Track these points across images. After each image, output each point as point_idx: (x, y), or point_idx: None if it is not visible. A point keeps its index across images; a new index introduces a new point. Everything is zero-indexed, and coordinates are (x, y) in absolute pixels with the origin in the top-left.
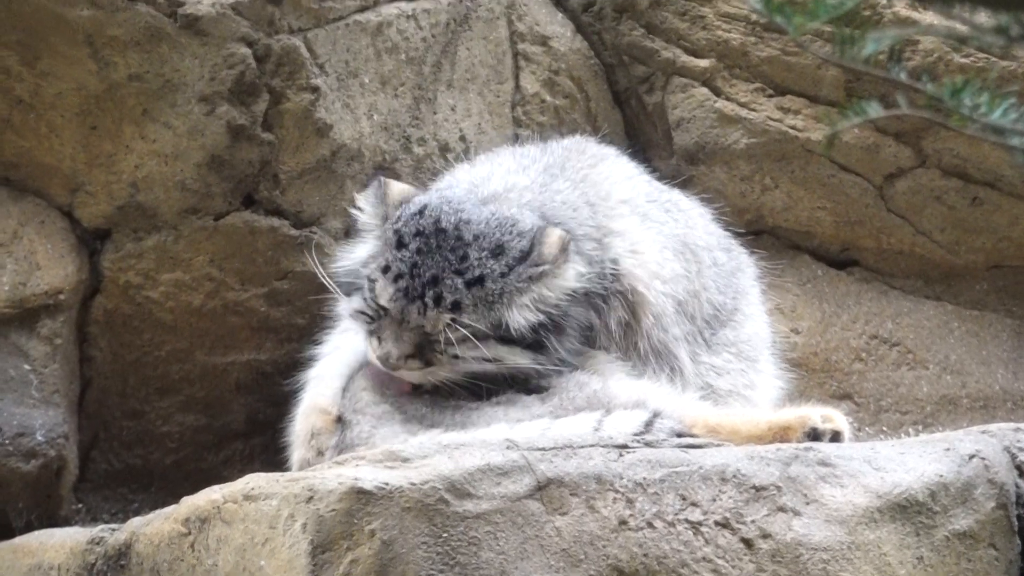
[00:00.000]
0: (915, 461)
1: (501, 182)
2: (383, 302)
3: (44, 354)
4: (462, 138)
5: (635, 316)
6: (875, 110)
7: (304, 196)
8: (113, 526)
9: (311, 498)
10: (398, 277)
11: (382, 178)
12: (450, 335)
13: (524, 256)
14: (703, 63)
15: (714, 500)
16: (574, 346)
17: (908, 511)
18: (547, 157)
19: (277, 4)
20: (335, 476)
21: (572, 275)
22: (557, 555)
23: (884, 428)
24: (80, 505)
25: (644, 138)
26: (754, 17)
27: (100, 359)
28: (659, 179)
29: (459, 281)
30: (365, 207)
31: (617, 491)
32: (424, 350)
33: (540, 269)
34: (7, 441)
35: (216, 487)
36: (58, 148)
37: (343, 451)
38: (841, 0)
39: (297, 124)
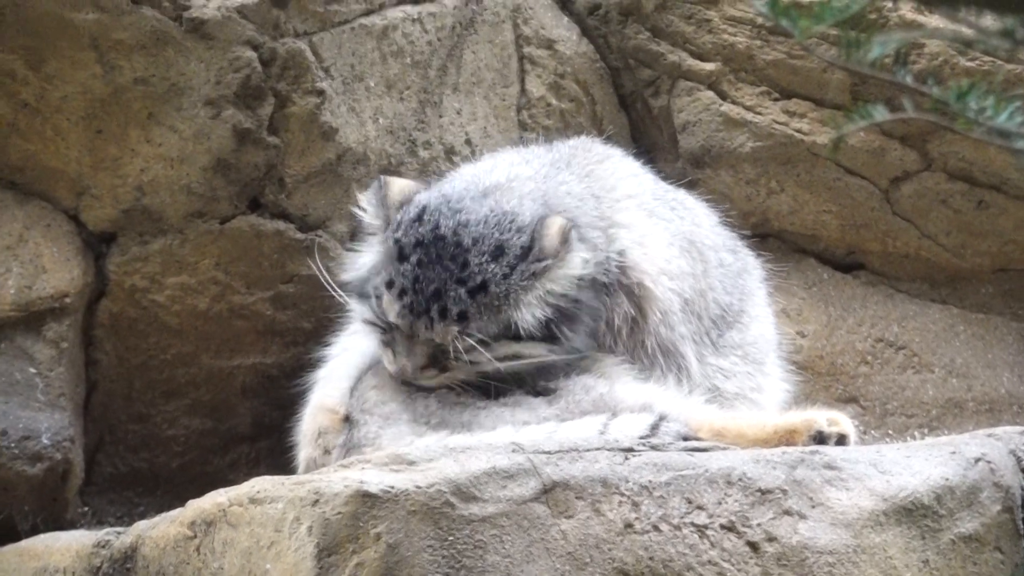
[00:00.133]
0: (921, 464)
1: (504, 172)
2: (391, 319)
3: (50, 357)
4: (468, 142)
5: (641, 312)
6: (881, 113)
7: (310, 200)
8: (119, 529)
9: (317, 501)
10: (402, 293)
11: (383, 178)
12: (460, 345)
13: (525, 253)
14: (709, 66)
15: (720, 503)
16: (587, 333)
17: (914, 514)
18: (553, 154)
19: (282, 8)
20: (341, 479)
21: (577, 263)
22: (563, 558)
23: (890, 431)
24: (86, 508)
25: (650, 141)
26: (760, 20)
27: (106, 362)
28: (664, 181)
29: (462, 291)
30: (367, 208)
31: (623, 494)
32: (438, 359)
33: (543, 264)
34: (13, 444)
35: (222, 490)
36: (64, 152)
37: (350, 450)
38: (847, 3)
39: (303, 128)
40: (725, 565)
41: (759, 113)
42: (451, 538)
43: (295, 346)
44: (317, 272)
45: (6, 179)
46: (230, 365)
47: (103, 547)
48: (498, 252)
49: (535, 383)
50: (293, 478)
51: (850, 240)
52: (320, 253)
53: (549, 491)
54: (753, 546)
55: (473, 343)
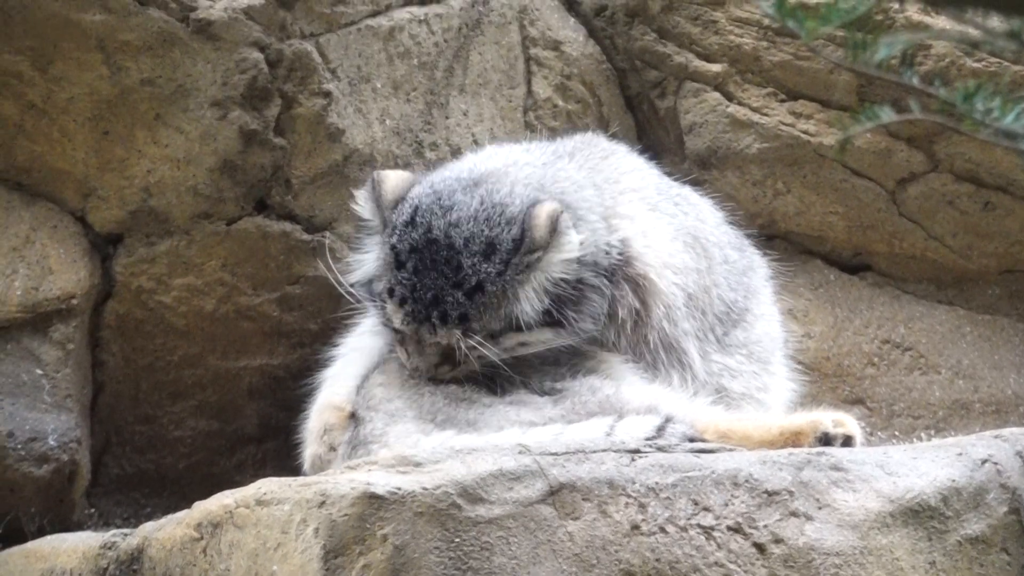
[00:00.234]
0: (927, 466)
1: (502, 160)
2: (396, 326)
3: (56, 359)
4: (474, 143)
5: (645, 305)
6: (887, 115)
7: (316, 201)
8: (125, 531)
9: (323, 503)
10: (403, 301)
11: (376, 174)
12: (465, 345)
13: (516, 246)
14: (715, 68)
15: (726, 505)
16: (593, 314)
17: (920, 516)
18: (556, 145)
19: (289, 9)
20: (347, 481)
21: (571, 246)
22: (569, 560)
23: (896, 433)
24: (92, 510)
25: (656, 143)
26: (766, 22)
27: (112, 364)
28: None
29: (459, 294)
30: (364, 206)
31: (629, 496)
32: (450, 356)
33: (535, 255)
34: (19, 446)
35: (228, 492)
36: (70, 153)
37: (355, 447)
38: (853, 5)
39: (309, 129)
40: (732, 566)
41: (765, 114)
42: (458, 540)
43: (301, 347)
44: (328, 273)
45: (13, 180)
46: (237, 366)
47: (110, 548)
48: (490, 250)
49: (542, 383)
50: (300, 480)
51: (857, 241)
52: (326, 254)
53: (556, 493)
54: (760, 547)
55: (478, 342)
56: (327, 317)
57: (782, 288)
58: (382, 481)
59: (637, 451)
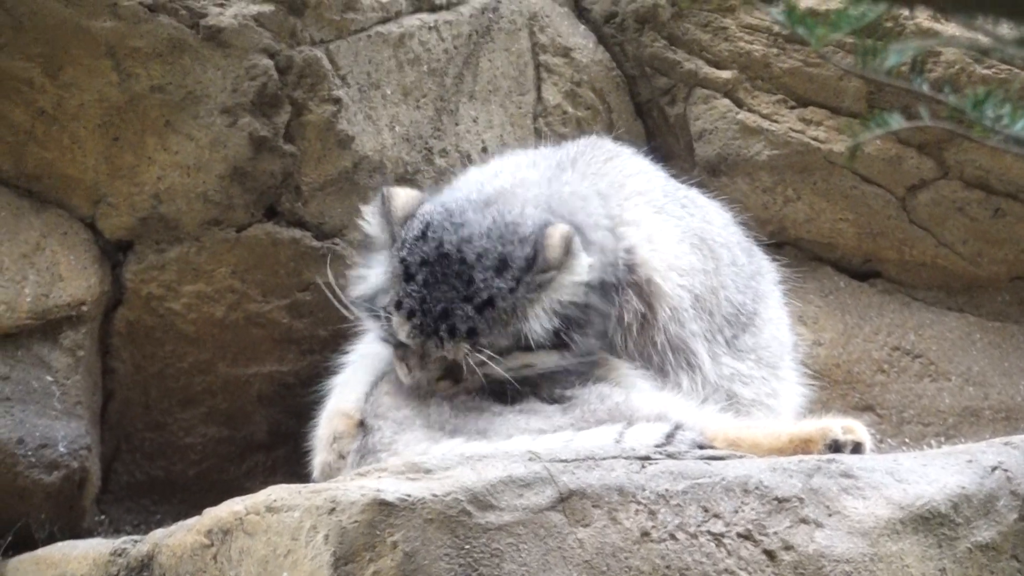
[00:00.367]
0: (937, 473)
1: (509, 177)
2: (401, 339)
3: (66, 366)
4: (484, 149)
5: (651, 308)
6: (897, 122)
7: (326, 208)
8: (135, 538)
9: (333, 510)
10: (411, 314)
11: (385, 190)
12: (471, 361)
13: (529, 264)
14: (725, 74)
15: (736, 512)
16: (598, 335)
17: (930, 523)
18: (559, 154)
19: (299, 15)
20: (357, 488)
21: (581, 269)
22: (579, 567)
23: (906, 440)
24: (103, 517)
25: (666, 149)
26: (776, 28)
27: (122, 371)
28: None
29: (469, 308)
30: (372, 222)
31: (639, 503)
32: (452, 372)
33: (548, 275)
34: (30, 453)
35: (238, 499)
36: (80, 160)
37: (364, 455)
38: (863, 11)
39: (319, 136)
40: (742, 573)
41: (775, 121)
42: (468, 546)
43: (311, 354)
44: (327, 291)
45: (23, 187)
46: (246, 373)
47: (120, 555)
48: (502, 266)
49: (551, 391)
50: (310, 486)
51: (867, 248)
52: (336, 261)
53: (566, 499)
54: (770, 555)
55: (484, 358)
56: (337, 324)
57: (792, 295)
58: (392, 488)
59: (647, 458)
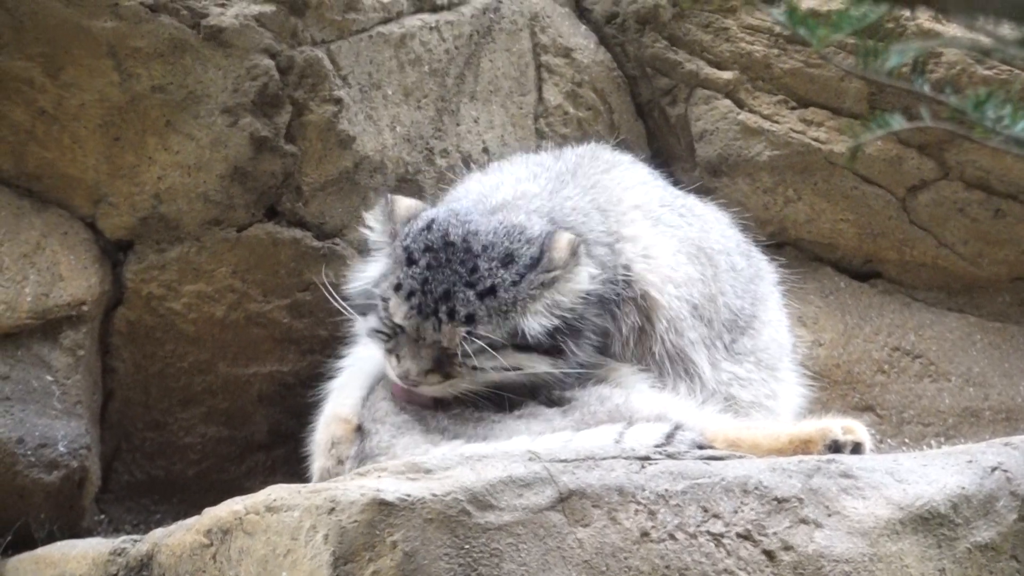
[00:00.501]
0: (937, 473)
1: (511, 190)
2: (398, 320)
3: (67, 365)
4: (485, 150)
5: (649, 320)
6: (898, 122)
7: (327, 208)
8: (135, 537)
9: (333, 509)
10: (410, 294)
11: (388, 195)
12: (467, 347)
13: (535, 263)
14: (726, 75)
15: (736, 512)
16: (592, 349)
17: (930, 523)
18: (559, 164)
19: (300, 16)
20: (357, 487)
21: (584, 278)
22: (579, 567)
23: (906, 440)
24: (102, 516)
25: (667, 150)
26: (777, 29)
27: (122, 370)
28: (681, 190)
29: (471, 293)
30: (374, 225)
31: (639, 503)
32: (443, 364)
33: (552, 275)
34: (29, 452)
35: (238, 498)
36: (81, 159)
37: (363, 460)
38: (864, 12)
39: (320, 136)
40: (741, 574)
41: (776, 122)
42: (467, 546)
43: (312, 354)
44: (325, 291)
45: (24, 187)
46: (247, 373)
47: (119, 555)
48: (508, 259)
49: (550, 392)
50: (309, 486)
51: (867, 249)
52: (337, 261)
53: (565, 499)
54: (769, 555)
55: (479, 347)
56: (337, 324)
57: (792, 295)
58: (392, 488)
59: (647, 458)
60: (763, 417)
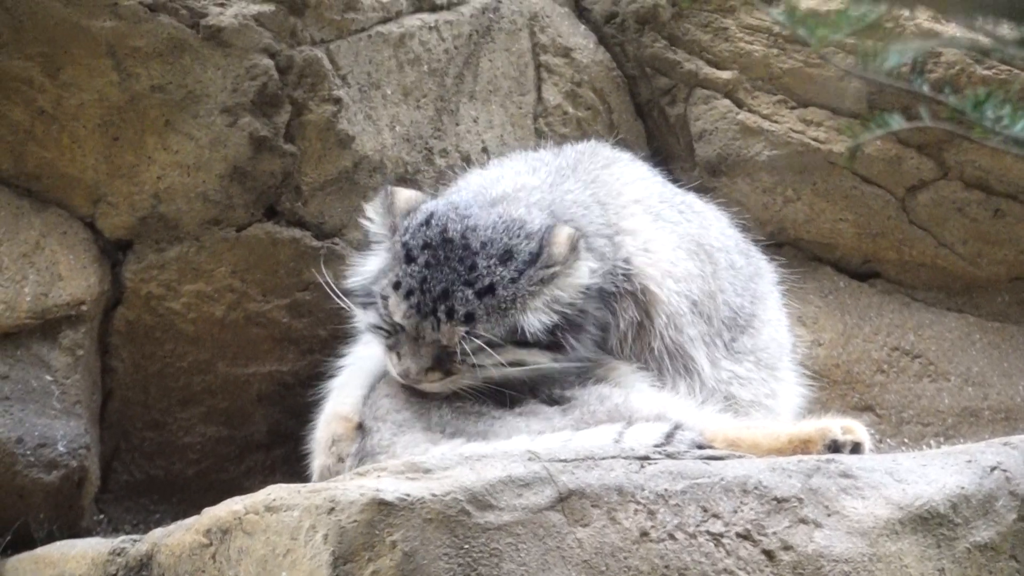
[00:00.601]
0: (937, 473)
1: (511, 183)
2: (397, 319)
3: (66, 365)
4: (484, 150)
5: (648, 315)
6: (897, 122)
7: (326, 207)
8: (134, 537)
9: (332, 509)
10: (409, 293)
11: (388, 187)
12: (466, 346)
13: (534, 259)
14: (725, 75)
15: (735, 512)
16: (592, 343)
17: (929, 523)
18: (559, 160)
19: (300, 15)
20: (357, 487)
21: (584, 272)
22: (578, 567)
23: (906, 440)
24: (101, 516)
25: (666, 150)
26: (777, 29)
27: (122, 370)
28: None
29: (469, 292)
30: (373, 217)
31: (639, 503)
32: (443, 362)
33: (551, 271)
34: (29, 452)
35: (237, 498)
36: (80, 159)
37: (363, 458)
38: (864, 12)
39: (319, 135)
40: (741, 574)
41: (776, 122)
42: (467, 546)
43: (311, 354)
44: (325, 284)
45: (23, 187)
46: (246, 373)
47: (119, 555)
48: (506, 256)
49: (550, 391)
50: (309, 486)
51: (866, 249)
52: (336, 260)
53: (565, 499)
54: (769, 554)
55: (480, 344)
56: (337, 324)
57: (791, 295)
58: (391, 487)
59: (646, 458)
60: (763, 416)
